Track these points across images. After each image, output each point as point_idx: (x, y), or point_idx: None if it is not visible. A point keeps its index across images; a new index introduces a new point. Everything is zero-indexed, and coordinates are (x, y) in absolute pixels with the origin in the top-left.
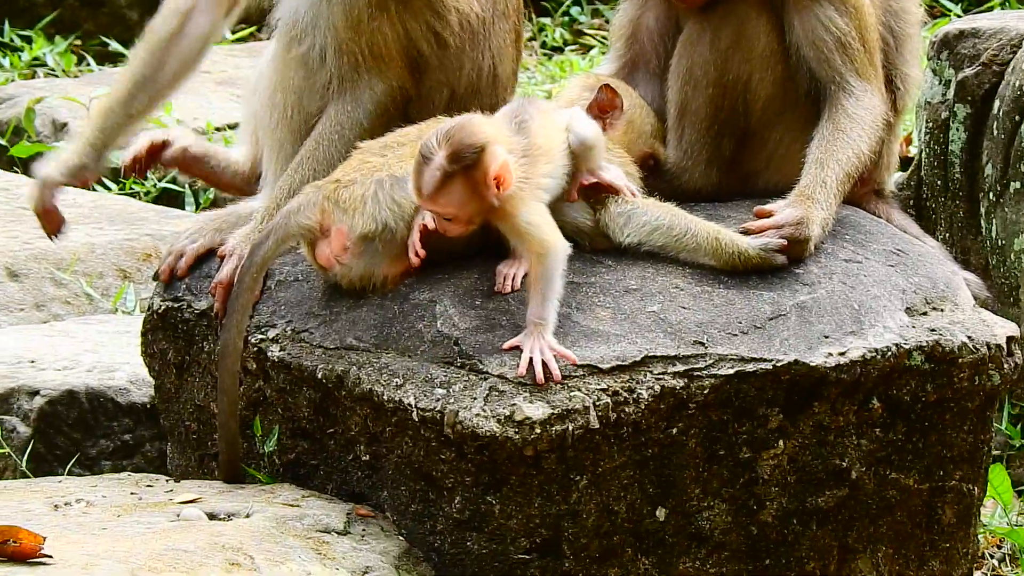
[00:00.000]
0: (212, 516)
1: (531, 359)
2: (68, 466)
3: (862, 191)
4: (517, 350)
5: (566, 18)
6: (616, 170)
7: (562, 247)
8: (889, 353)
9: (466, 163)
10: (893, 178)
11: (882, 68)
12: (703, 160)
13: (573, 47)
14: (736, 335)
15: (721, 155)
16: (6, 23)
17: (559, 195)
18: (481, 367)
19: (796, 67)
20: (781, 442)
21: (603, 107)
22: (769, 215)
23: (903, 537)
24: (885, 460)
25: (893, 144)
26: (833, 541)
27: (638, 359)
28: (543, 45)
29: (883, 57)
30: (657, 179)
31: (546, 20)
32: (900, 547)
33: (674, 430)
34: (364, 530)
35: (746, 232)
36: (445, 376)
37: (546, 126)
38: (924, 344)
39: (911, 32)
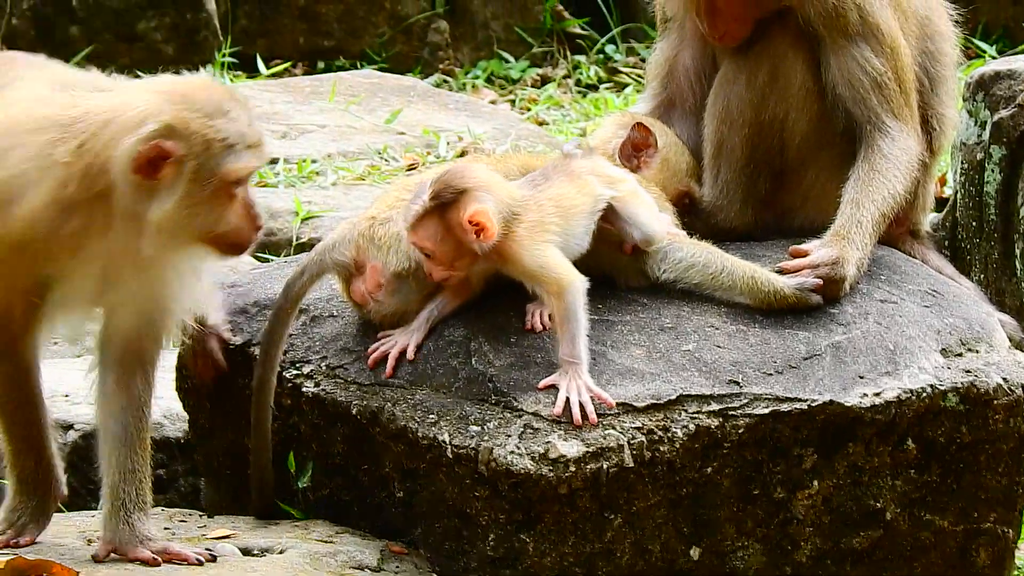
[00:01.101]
0: (246, 552)
1: (567, 399)
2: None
3: (897, 231)
4: (552, 388)
5: (601, 56)
6: (667, 218)
7: (578, 283)
8: (924, 394)
9: (442, 201)
10: (928, 219)
11: (918, 109)
12: (739, 198)
13: (608, 85)
14: (771, 375)
15: (757, 193)
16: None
17: (581, 252)
18: (516, 404)
19: (832, 106)
20: (816, 482)
21: (636, 145)
22: (805, 255)
23: None
24: (919, 501)
25: (928, 185)
26: None
27: (673, 398)
28: (577, 83)
29: (919, 98)
30: (693, 217)
31: (581, 58)
32: None
33: (709, 469)
34: (398, 567)
35: (782, 271)
36: (480, 413)
37: (568, 188)
38: (959, 385)
39: (947, 73)
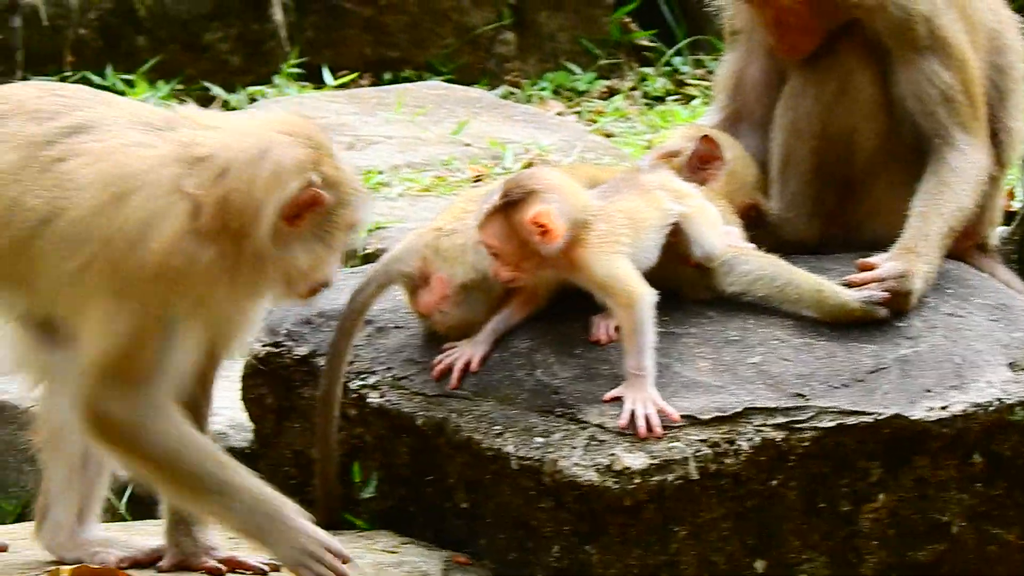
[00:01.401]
0: None
1: (633, 411)
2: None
3: (965, 245)
4: (618, 400)
5: (668, 68)
6: (734, 232)
7: (648, 296)
8: (991, 408)
9: (510, 200)
10: (996, 232)
11: (986, 122)
12: (806, 211)
13: (675, 97)
14: (837, 388)
15: (824, 206)
16: (109, 67)
17: (649, 266)
18: (580, 416)
19: (900, 119)
20: (881, 495)
21: (704, 158)
22: (872, 268)
23: None
24: (986, 515)
25: (996, 198)
26: None
27: (738, 410)
28: (645, 95)
29: (988, 111)
30: (759, 230)
31: (648, 70)
32: None
33: (774, 482)
34: None
35: (849, 285)
36: (545, 425)
37: (639, 201)
38: None
39: (1015, 87)
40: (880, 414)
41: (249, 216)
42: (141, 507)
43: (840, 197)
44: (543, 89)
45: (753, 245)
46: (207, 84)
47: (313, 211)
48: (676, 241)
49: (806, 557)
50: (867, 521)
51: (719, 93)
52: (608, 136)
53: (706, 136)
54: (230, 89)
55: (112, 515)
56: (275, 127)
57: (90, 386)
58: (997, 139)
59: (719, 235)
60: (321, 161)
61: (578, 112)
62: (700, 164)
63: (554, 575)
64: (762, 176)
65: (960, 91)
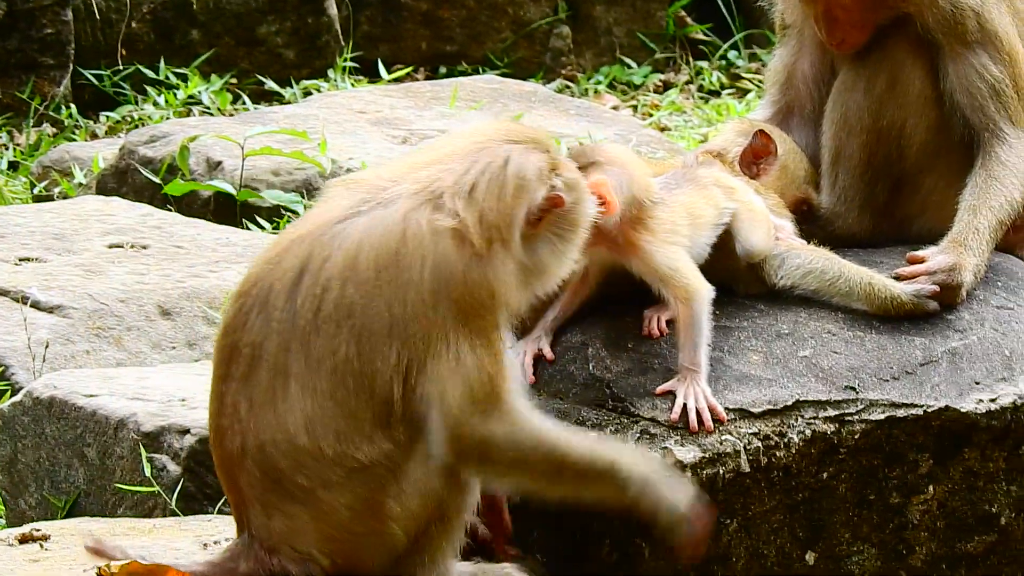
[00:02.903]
0: None
1: (685, 405)
2: (218, 505)
3: (1015, 238)
4: (670, 394)
5: (723, 62)
6: (789, 225)
7: (706, 291)
8: None
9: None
10: None
11: None
12: (857, 205)
13: (730, 91)
14: (887, 380)
15: (875, 200)
16: (162, 61)
17: (701, 262)
18: (633, 410)
19: (950, 113)
20: (931, 487)
21: (758, 152)
22: (921, 261)
23: None
24: None
25: None
26: None
27: (789, 404)
28: (700, 89)
29: None
30: (811, 224)
31: (703, 63)
32: None
33: (824, 474)
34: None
35: (898, 278)
36: (597, 418)
37: (696, 197)
38: None
39: None
40: (930, 406)
41: (505, 226)
42: (193, 503)
43: (891, 191)
44: (598, 83)
45: (803, 240)
46: (261, 78)
47: (553, 213)
48: (726, 237)
49: (856, 549)
50: (916, 513)
51: (770, 87)
52: (663, 130)
53: (761, 131)
54: (284, 83)
55: (164, 511)
56: (500, 137)
57: (465, 423)
58: None
59: (765, 232)
60: (556, 165)
61: (633, 106)
62: (754, 159)
63: (606, 570)
64: (813, 171)
65: (1009, 85)
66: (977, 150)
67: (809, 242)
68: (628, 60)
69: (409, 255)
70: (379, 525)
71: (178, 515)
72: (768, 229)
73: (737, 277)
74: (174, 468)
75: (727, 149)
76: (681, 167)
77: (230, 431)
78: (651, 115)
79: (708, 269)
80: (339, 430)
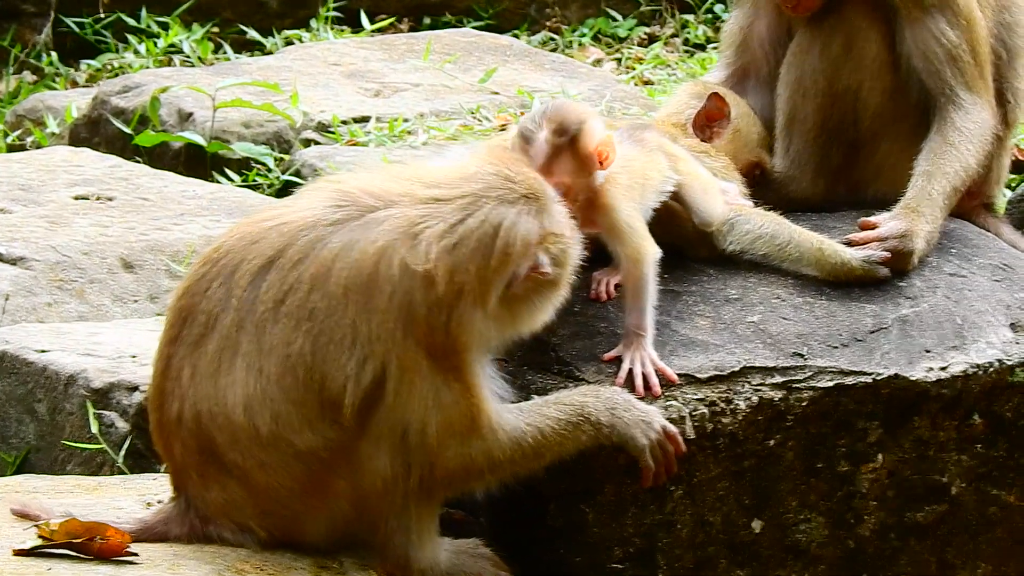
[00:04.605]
0: None
1: (631, 370)
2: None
3: (971, 204)
4: (616, 359)
5: (709, 15)
6: (734, 188)
7: (654, 253)
8: (991, 369)
9: (572, 135)
10: (1002, 191)
11: (993, 82)
12: (811, 169)
13: (715, 45)
14: (836, 347)
15: (829, 164)
16: (143, 9)
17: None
18: (578, 374)
19: (906, 78)
20: (880, 456)
21: (711, 115)
22: (873, 227)
23: (1003, 554)
24: (986, 476)
25: (1003, 158)
26: (932, 557)
27: (736, 370)
28: (685, 42)
29: (995, 70)
30: (763, 188)
31: (689, 17)
32: (1000, 564)
33: (771, 442)
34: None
35: (850, 243)
36: (542, 382)
37: (644, 160)
38: None
39: (1023, 45)
40: (879, 374)
41: (481, 288)
42: (142, 460)
43: (845, 155)
44: (583, 35)
45: (751, 203)
46: (244, 27)
47: (533, 279)
48: (675, 204)
49: (804, 517)
50: (866, 482)
51: (726, 49)
52: (647, 83)
53: (715, 94)
54: (266, 33)
55: (112, 468)
56: (499, 187)
57: (442, 454)
58: (1003, 98)
59: (719, 200)
60: (547, 237)
61: (617, 59)
62: (707, 122)
63: (550, 534)
64: (766, 134)
65: (966, 50)
66: (933, 115)
67: (760, 206)
68: (613, 12)
69: (379, 285)
70: (320, 503)
71: (125, 473)
72: (720, 196)
73: (686, 241)
74: (122, 425)
75: (681, 112)
76: (627, 128)
77: (170, 396)
78: (634, 68)
79: (657, 233)
80: (278, 413)
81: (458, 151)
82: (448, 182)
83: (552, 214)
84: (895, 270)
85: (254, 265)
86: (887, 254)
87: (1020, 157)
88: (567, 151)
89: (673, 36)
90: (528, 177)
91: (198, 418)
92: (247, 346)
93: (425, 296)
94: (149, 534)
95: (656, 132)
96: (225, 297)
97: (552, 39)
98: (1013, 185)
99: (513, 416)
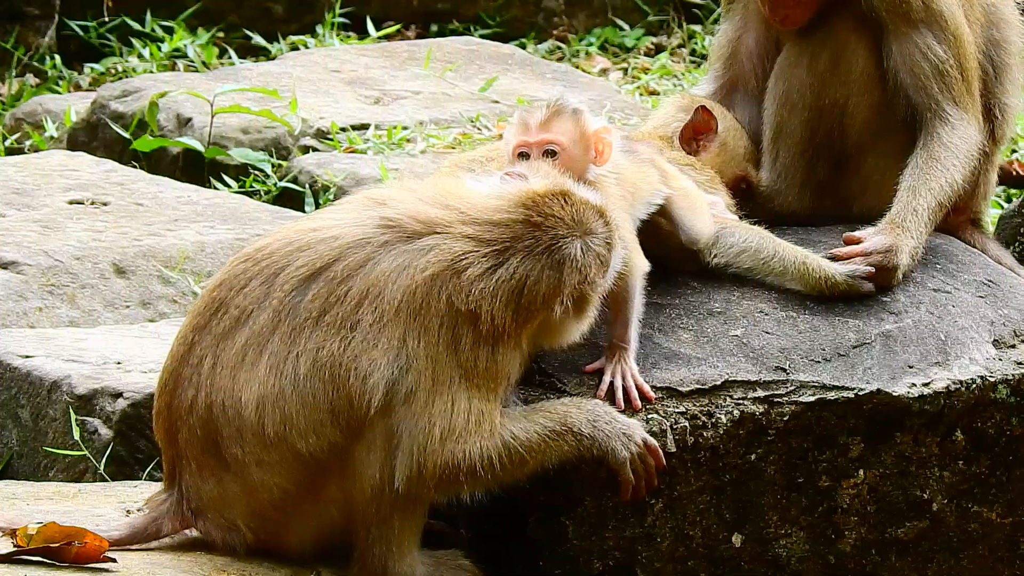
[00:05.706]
0: None
1: (611, 383)
2: (147, 470)
3: (957, 220)
4: (598, 372)
5: (717, 25)
6: (720, 201)
7: (642, 267)
8: (974, 385)
9: (573, 108)
10: (988, 207)
11: (981, 97)
12: (797, 183)
13: None
14: (819, 362)
15: (815, 179)
16: (148, 13)
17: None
18: (560, 386)
19: (893, 93)
20: (862, 472)
21: (698, 129)
22: (858, 242)
23: (984, 571)
24: (967, 493)
25: (990, 174)
26: (912, 573)
27: (718, 383)
28: (692, 52)
29: (982, 86)
30: (750, 202)
31: (696, 27)
32: None
33: (753, 456)
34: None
35: (834, 258)
36: (524, 394)
37: (636, 172)
38: (1010, 377)
39: (1011, 62)
40: (861, 389)
41: (514, 333)
42: (124, 467)
43: (832, 170)
44: (590, 45)
45: (736, 217)
46: (249, 32)
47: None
48: (662, 219)
49: (784, 532)
50: (846, 497)
51: (714, 62)
52: (652, 93)
53: (702, 107)
54: (272, 39)
55: (93, 475)
56: (524, 224)
57: (441, 453)
58: (991, 114)
59: (707, 218)
60: (568, 286)
61: (624, 69)
62: (694, 135)
63: (531, 546)
64: (753, 148)
65: (953, 65)
66: (919, 130)
67: (746, 220)
68: (621, 22)
69: (430, 313)
70: (313, 508)
71: (106, 480)
72: (708, 213)
73: (670, 254)
74: (105, 432)
75: (667, 124)
76: (620, 139)
77: (187, 382)
78: (640, 78)
79: (642, 245)
80: (288, 415)
81: (492, 181)
82: (482, 220)
83: (576, 257)
84: (879, 285)
85: (302, 272)
86: (871, 269)
87: (1021, 172)
88: (568, 116)
89: (680, 47)
90: (555, 224)
91: (210, 408)
92: (277, 346)
93: (470, 332)
94: (141, 536)
95: (649, 145)
96: (263, 296)
97: (559, 48)
98: (1004, 201)
99: (506, 420)
